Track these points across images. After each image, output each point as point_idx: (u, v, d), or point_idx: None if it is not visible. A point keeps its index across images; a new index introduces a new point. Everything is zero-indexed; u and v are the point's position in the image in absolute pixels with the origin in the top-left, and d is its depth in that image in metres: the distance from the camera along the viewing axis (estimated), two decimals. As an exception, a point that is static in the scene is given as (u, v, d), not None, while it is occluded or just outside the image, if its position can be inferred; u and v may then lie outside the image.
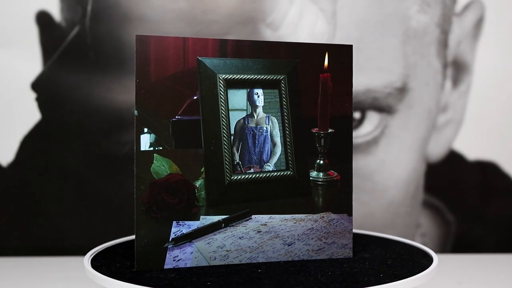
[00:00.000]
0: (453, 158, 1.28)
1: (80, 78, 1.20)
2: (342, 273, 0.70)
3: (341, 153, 0.77)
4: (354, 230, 0.94)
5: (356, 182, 1.24)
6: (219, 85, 0.71)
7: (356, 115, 1.23)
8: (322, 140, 0.75)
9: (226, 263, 0.71)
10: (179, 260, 0.70)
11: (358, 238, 0.88)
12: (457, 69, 1.26)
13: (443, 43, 1.25)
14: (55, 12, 1.20)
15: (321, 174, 0.75)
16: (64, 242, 1.22)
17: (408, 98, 1.24)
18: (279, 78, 0.74)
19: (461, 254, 1.27)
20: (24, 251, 1.21)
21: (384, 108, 1.23)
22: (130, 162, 1.23)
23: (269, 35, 1.20)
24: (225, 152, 0.71)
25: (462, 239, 1.29)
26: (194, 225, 0.71)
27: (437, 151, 1.28)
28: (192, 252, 0.70)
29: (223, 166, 0.71)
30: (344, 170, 0.77)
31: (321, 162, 0.75)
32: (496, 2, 1.26)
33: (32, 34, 1.20)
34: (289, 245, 0.74)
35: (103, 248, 0.82)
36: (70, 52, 1.20)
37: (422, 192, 1.28)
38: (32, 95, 1.21)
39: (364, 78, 1.22)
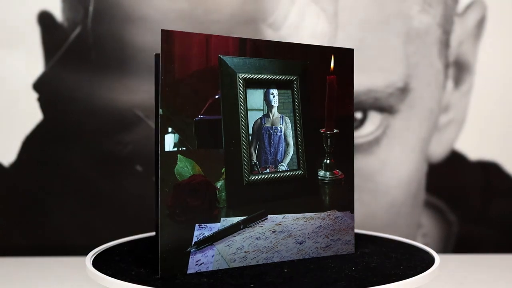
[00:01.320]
0: (455, 158, 1.28)
1: (81, 78, 1.20)
2: (366, 268, 0.71)
3: (343, 153, 0.78)
4: (356, 230, 0.94)
5: (358, 182, 1.24)
6: (239, 85, 0.70)
7: (358, 115, 1.23)
8: (329, 140, 0.76)
9: (245, 265, 0.70)
10: (201, 264, 0.68)
11: (359, 238, 0.88)
12: (458, 69, 1.26)
13: (445, 43, 1.25)
14: (57, 12, 1.20)
15: (327, 173, 0.77)
16: (65, 242, 1.22)
17: (410, 98, 1.24)
18: (292, 79, 0.74)
19: (463, 254, 1.27)
20: (25, 251, 1.21)
21: (385, 108, 1.23)
22: (131, 162, 1.23)
23: (271, 35, 1.20)
24: (244, 152, 0.70)
25: (464, 239, 1.28)
26: (215, 227, 0.69)
27: (438, 151, 1.28)
28: (213, 255, 0.69)
29: (242, 166, 0.71)
30: (347, 169, 0.78)
31: (328, 161, 0.77)
32: (498, 2, 1.26)
33: (34, 35, 1.20)
34: (300, 243, 0.75)
35: (104, 248, 0.82)
36: (72, 52, 1.20)
37: (424, 192, 1.28)
38: (34, 95, 1.21)
39: (366, 78, 1.22)
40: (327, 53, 0.77)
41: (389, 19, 1.23)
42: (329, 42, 1.22)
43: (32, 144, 1.22)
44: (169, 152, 0.66)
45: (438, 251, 1.25)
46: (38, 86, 1.21)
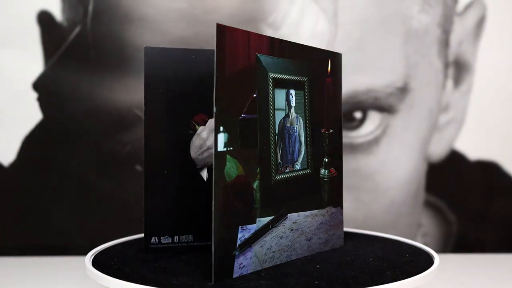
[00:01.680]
0: (455, 158, 1.28)
1: (81, 78, 1.20)
2: (382, 258, 0.74)
3: (335, 151, 0.80)
4: (356, 230, 0.95)
5: (358, 182, 1.24)
6: (269, 84, 0.70)
7: (358, 114, 1.23)
8: (327, 139, 0.79)
9: (272, 264, 0.71)
10: (243, 267, 0.66)
11: (361, 238, 0.88)
12: (458, 69, 1.26)
13: (445, 43, 1.25)
14: (57, 12, 1.20)
15: (326, 171, 0.79)
16: (65, 242, 1.22)
17: (410, 98, 1.24)
18: (304, 80, 0.75)
19: (463, 254, 1.27)
20: (25, 251, 1.21)
21: (385, 108, 1.23)
22: (131, 162, 1.23)
23: (271, 35, 1.20)
24: (272, 152, 0.71)
25: (464, 239, 1.28)
26: (253, 228, 0.68)
27: (438, 151, 1.27)
28: (251, 257, 0.68)
29: (271, 166, 0.70)
30: (337, 167, 0.81)
31: (326, 160, 0.79)
32: (498, 1, 1.26)
33: (33, 34, 1.20)
34: (309, 240, 0.76)
35: (104, 248, 0.82)
36: (71, 52, 1.20)
37: (424, 192, 1.28)
38: (34, 95, 1.21)
39: (365, 78, 1.22)
40: (322, 55, 0.78)
41: (389, 18, 1.23)
42: (329, 42, 1.22)
43: (32, 144, 1.21)
44: (221, 152, 0.64)
45: (437, 251, 1.25)
46: (38, 85, 1.21)
